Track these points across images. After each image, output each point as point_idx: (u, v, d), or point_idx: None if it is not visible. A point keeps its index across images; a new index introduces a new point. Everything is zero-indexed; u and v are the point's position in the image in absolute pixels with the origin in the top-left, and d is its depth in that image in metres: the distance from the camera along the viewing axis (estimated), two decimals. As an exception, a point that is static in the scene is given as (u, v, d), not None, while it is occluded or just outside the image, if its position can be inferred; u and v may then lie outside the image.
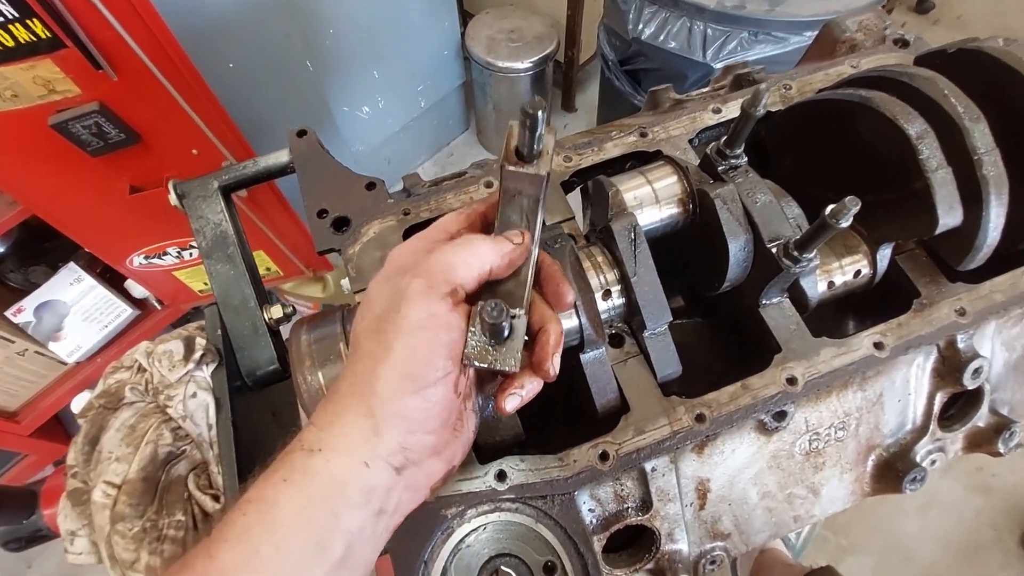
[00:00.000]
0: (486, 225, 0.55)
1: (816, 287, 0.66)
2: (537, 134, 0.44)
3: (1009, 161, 0.63)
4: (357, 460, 0.42)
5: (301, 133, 0.79)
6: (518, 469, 0.59)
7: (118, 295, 1.98)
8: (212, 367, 0.71)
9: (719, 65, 1.63)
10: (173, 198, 0.76)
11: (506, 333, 0.46)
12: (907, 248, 0.70)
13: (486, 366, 0.45)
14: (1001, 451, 0.75)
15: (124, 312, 1.98)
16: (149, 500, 0.62)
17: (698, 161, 0.70)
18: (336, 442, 0.43)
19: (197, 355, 0.69)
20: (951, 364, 0.67)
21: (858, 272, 0.68)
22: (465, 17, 2.80)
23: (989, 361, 0.70)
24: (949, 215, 0.57)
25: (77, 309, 1.85)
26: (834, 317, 0.80)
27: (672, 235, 0.71)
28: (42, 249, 2.01)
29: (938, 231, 0.58)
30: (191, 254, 1.79)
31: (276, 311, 0.75)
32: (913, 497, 2.17)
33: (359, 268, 0.70)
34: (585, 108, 3.17)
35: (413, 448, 0.45)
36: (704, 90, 0.97)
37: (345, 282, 0.69)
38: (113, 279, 2.02)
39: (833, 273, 0.67)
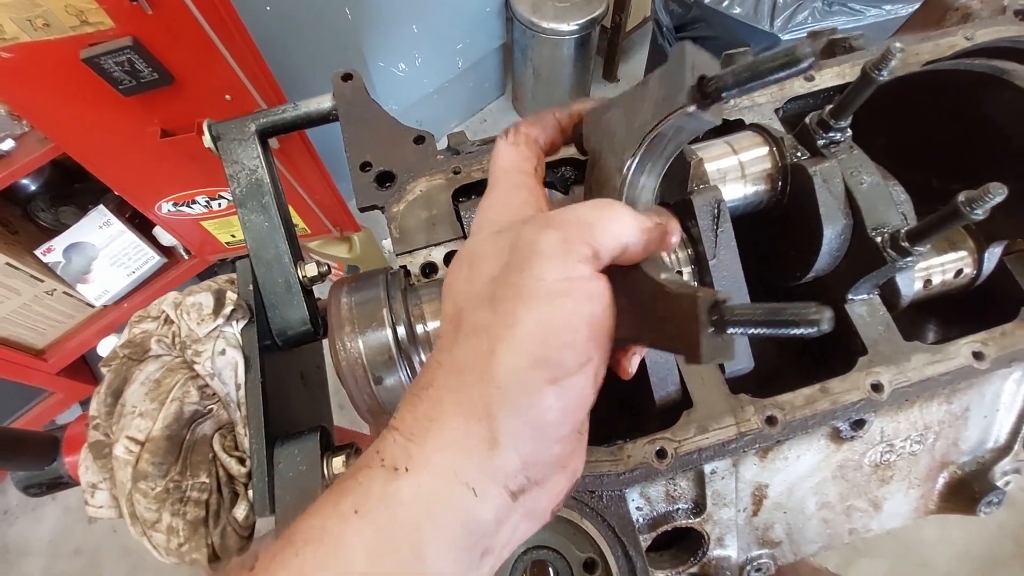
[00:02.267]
0: (544, 156, 0.47)
1: (912, 285, 0.59)
2: (765, 83, 0.33)
3: None
4: (461, 485, 0.31)
5: (347, 77, 0.73)
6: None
7: (146, 241, 1.96)
8: (242, 324, 0.67)
9: (786, 37, 1.51)
10: (207, 139, 0.71)
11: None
12: (1019, 248, 0.62)
13: (726, 360, 0.34)
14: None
15: (152, 259, 1.96)
16: (173, 460, 0.58)
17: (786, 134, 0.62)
18: (431, 457, 0.32)
19: (227, 310, 0.65)
20: (1055, 381, 0.60)
21: (959, 271, 0.60)
22: (509, -27, 2.66)
23: (1098, 381, 0.62)
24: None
25: (106, 253, 1.84)
26: (913, 320, 0.73)
27: (754, 214, 0.64)
28: (73, 189, 2.00)
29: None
30: (220, 204, 1.75)
31: (311, 269, 0.70)
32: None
33: (403, 228, 0.64)
34: (628, 79, 3.02)
35: (538, 464, 0.33)
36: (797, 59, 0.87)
37: (387, 243, 0.64)
38: (142, 225, 2.00)
39: (932, 270, 0.60)
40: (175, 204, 1.73)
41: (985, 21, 0.75)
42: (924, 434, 0.63)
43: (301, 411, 0.76)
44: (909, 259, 0.50)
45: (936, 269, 0.60)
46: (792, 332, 0.29)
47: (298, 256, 0.72)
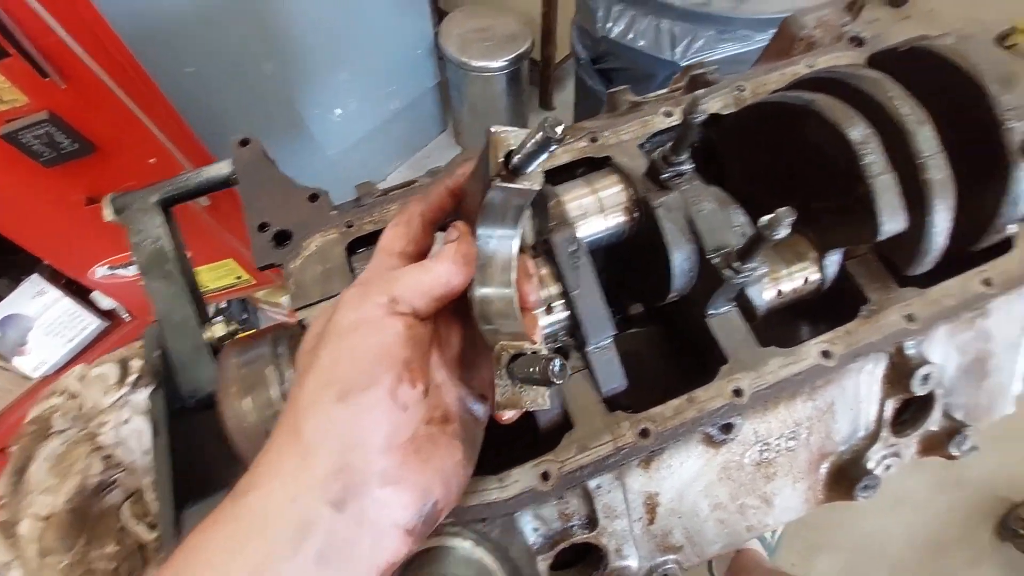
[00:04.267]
0: (430, 230, 0.52)
1: (763, 296, 0.65)
2: (546, 154, 0.39)
3: (959, 162, 0.63)
4: (285, 493, 0.37)
5: (244, 142, 0.77)
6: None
7: (85, 307, 1.93)
8: (149, 389, 0.68)
9: (685, 63, 1.62)
10: (108, 213, 0.74)
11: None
12: (858, 253, 0.69)
13: (521, 410, 0.41)
14: (955, 455, 0.75)
15: (91, 324, 1.93)
16: (77, 533, 0.59)
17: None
18: (263, 478, 0.38)
19: (132, 378, 0.67)
20: (901, 371, 0.67)
21: (807, 279, 0.67)
22: (439, 15, 2.77)
23: (939, 367, 0.69)
24: (892, 221, 0.56)
25: (41, 322, 1.81)
26: (788, 323, 0.79)
27: (622, 243, 0.70)
28: (6, 262, 1.96)
29: (881, 237, 0.57)
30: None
31: (218, 329, 0.72)
32: (884, 493, 2.19)
33: (300, 284, 0.68)
34: (563, 106, 3.15)
35: (354, 470, 0.37)
36: (662, 92, 0.95)
37: (285, 299, 0.67)
38: (80, 290, 1.97)
39: (781, 280, 0.66)
40: (110, 267, 1.72)
41: (825, 49, 0.84)
42: (796, 430, 0.68)
43: (220, 469, 0.77)
44: (743, 276, 0.56)
45: (785, 279, 0.66)
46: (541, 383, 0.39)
47: (205, 318, 0.74)
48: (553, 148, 0.38)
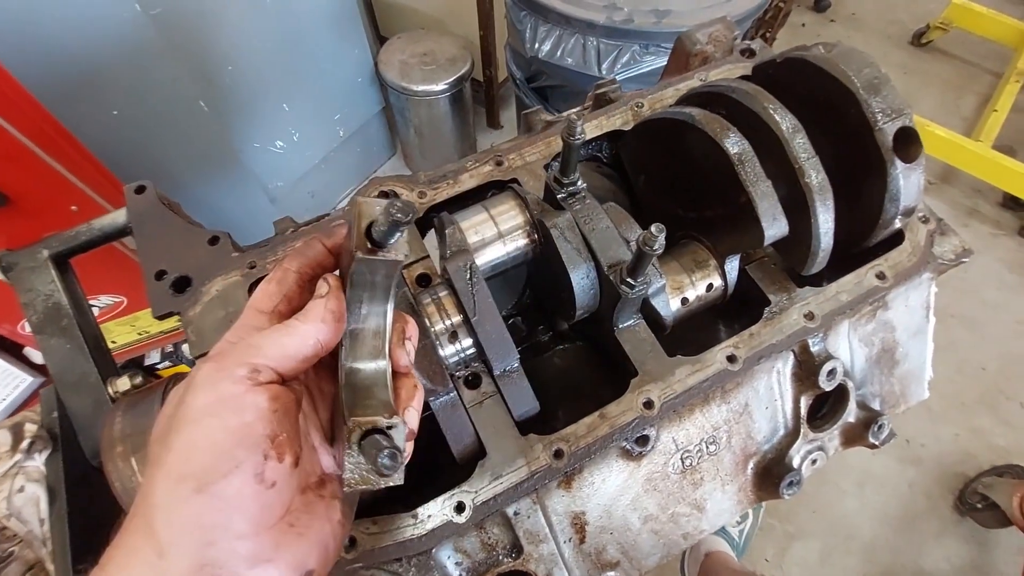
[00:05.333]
0: (308, 287, 0.48)
1: (668, 306, 0.66)
2: (401, 231, 0.40)
3: (843, 165, 0.65)
4: None
5: (139, 189, 0.74)
6: (368, 533, 0.56)
7: (17, 363, 1.83)
8: (46, 454, 0.65)
9: (614, 77, 1.66)
10: (-2, 273, 0.70)
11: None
12: (758, 257, 0.71)
13: (373, 488, 0.39)
14: (875, 443, 0.76)
15: (24, 381, 1.83)
16: (-37, 618, 0.55)
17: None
18: None
19: (26, 444, 0.63)
20: (808, 368, 0.68)
21: (710, 286, 0.68)
22: (381, 42, 2.77)
23: (843, 361, 0.71)
24: (773, 226, 0.58)
25: (-34, 385, 1.71)
26: (708, 327, 0.81)
27: (534, 264, 0.70)
28: (-73, 322, 1.86)
29: (766, 242, 0.59)
30: (90, 313, 1.68)
31: (122, 383, 0.69)
32: (849, 476, 2.24)
33: (200, 331, 0.65)
34: (510, 124, 3.18)
35: (219, 563, 0.35)
36: (574, 110, 0.97)
37: (185, 348, 0.65)
38: (12, 346, 1.88)
39: (685, 289, 0.67)
40: (40, 321, 1.64)
41: (718, 62, 0.87)
42: (716, 435, 0.69)
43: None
44: (637, 290, 0.57)
45: (688, 287, 0.67)
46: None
47: (110, 372, 0.71)
48: (402, 231, 0.39)
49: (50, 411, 0.68)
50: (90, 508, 0.66)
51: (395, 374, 0.47)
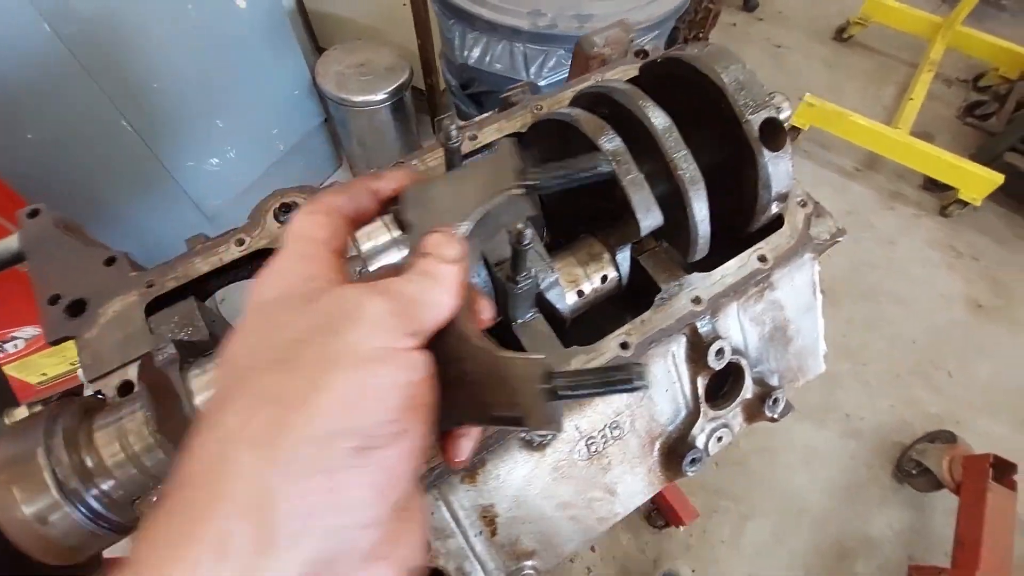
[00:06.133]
0: (351, 230, 0.44)
1: (564, 299, 0.68)
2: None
3: (718, 155, 0.69)
4: None
5: (33, 213, 0.73)
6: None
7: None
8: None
9: (543, 82, 1.70)
10: None
11: None
12: (650, 247, 0.75)
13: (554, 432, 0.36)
14: (774, 417, 0.81)
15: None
16: None
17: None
18: None
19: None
20: (698, 349, 0.72)
21: (604, 277, 0.71)
22: (320, 52, 2.76)
23: (736, 341, 0.76)
24: (648, 217, 0.61)
25: None
26: (615, 317, 0.84)
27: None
28: None
29: (643, 233, 0.62)
30: (15, 345, 1.61)
31: (20, 412, 0.68)
32: (797, 452, 2.34)
33: (96, 354, 0.65)
34: (456, 131, 3.21)
35: (336, 560, 0.27)
36: (485, 115, 1.00)
37: (81, 372, 0.64)
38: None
39: (581, 282, 0.70)
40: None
41: (613, 64, 0.91)
42: (618, 419, 0.72)
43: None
44: (522, 285, 0.59)
45: (584, 280, 0.70)
46: (620, 391, 0.35)
47: (7, 403, 0.69)
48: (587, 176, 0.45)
49: (-60, 447, 0.65)
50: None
51: None
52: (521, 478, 0.67)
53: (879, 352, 2.57)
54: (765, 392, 0.79)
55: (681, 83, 0.72)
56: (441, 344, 0.36)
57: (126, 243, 2.00)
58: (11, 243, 0.73)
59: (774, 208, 0.72)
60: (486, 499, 0.66)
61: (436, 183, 0.46)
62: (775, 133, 0.67)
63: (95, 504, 0.54)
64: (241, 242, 0.72)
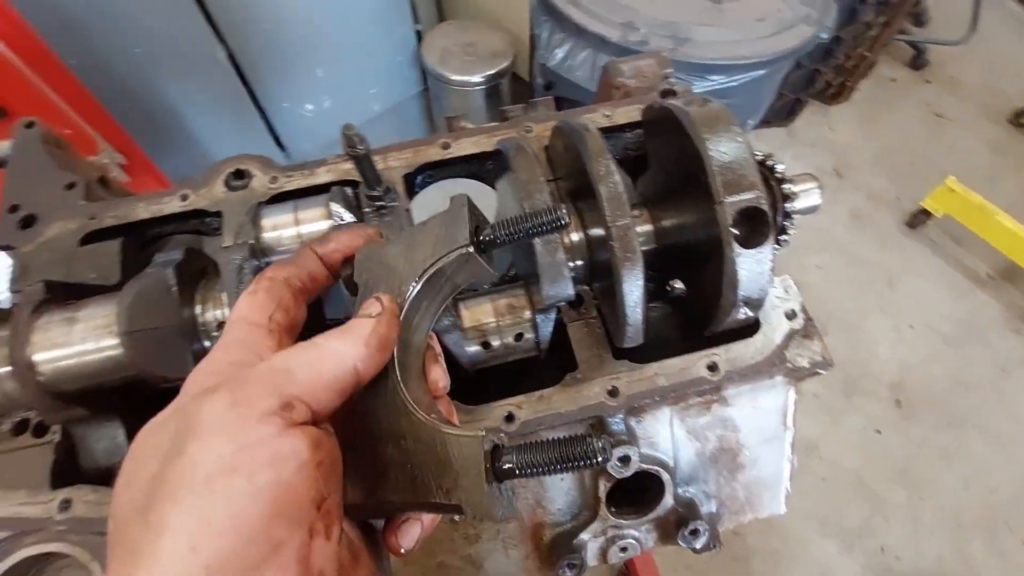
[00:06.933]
0: (304, 300, 0.43)
1: (463, 348, 0.61)
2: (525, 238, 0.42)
3: (687, 232, 0.59)
4: None
5: (29, 124, 0.78)
6: (85, 500, 0.56)
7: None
8: None
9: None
10: None
11: None
12: (588, 316, 0.65)
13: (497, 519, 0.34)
14: (694, 548, 0.69)
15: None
16: None
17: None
18: None
19: None
20: (603, 448, 0.62)
21: (519, 335, 0.63)
22: (434, 24, 2.80)
23: (659, 448, 0.65)
24: (554, 287, 0.53)
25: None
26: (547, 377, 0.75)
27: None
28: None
29: (547, 303, 0.54)
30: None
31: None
32: (809, 569, 2.07)
33: (25, 269, 0.68)
34: (550, 128, 3.14)
35: None
36: (492, 124, 0.93)
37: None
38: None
39: (490, 334, 0.63)
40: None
41: (632, 99, 0.81)
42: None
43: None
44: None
45: (494, 334, 0.63)
46: (580, 468, 0.33)
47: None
48: (544, 231, 0.42)
49: None
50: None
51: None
52: (364, 521, 0.62)
53: (945, 490, 2.19)
54: (686, 516, 0.67)
55: (670, 139, 0.61)
56: (376, 419, 0.34)
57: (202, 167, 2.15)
58: (4, 148, 0.78)
59: (740, 314, 0.59)
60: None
61: (387, 245, 0.45)
62: (755, 226, 0.55)
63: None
64: (185, 197, 0.71)
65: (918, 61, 3.42)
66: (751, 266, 0.55)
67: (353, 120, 2.29)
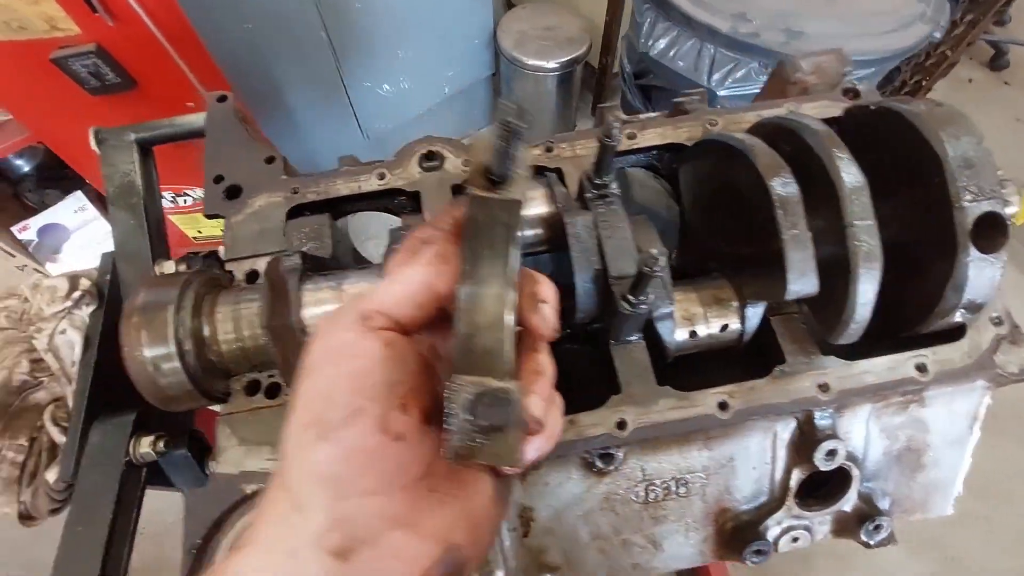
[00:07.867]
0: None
1: (672, 334, 0.63)
2: (515, 152, 0.37)
3: (906, 233, 0.59)
4: (280, 551, 0.32)
5: (222, 98, 0.81)
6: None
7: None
8: (91, 308, 0.74)
9: (722, 93, 1.57)
10: (93, 142, 0.80)
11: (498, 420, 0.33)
12: (788, 311, 0.66)
13: (480, 462, 0.34)
14: (869, 543, 0.70)
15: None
16: (-6, 421, 0.65)
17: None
18: (258, 535, 0.34)
19: (77, 294, 0.72)
20: (808, 440, 0.63)
21: (725, 327, 0.64)
22: (509, 7, 2.78)
23: (855, 446, 0.65)
24: (799, 282, 0.53)
25: (78, 236, 1.96)
26: (723, 370, 0.76)
27: (551, 258, 0.69)
28: (62, 173, 2.14)
29: (789, 297, 0.54)
30: (185, 200, 1.86)
31: (168, 266, 0.77)
32: (872, 574, 2.05)
33: (236, 238, 0.71)
34: (615, 118, 3.11)
35: (354, 519, 0.33)
36: (652, 115, 0.93)
37: (221, 250, 0.71)
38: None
39: (697, 322, 0.64)
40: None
41: (815, 96, 0.80)
42: (689, 478, 0.66)
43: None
44: (635, 308, 0.55)
45: (701, 322, 0.64)
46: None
47: (160, 255, 0.79)
48: (517, 147, 0.37)
49: (104, 273, 0.76)
50: (116, 363, 0.75)
51: (523, 348, 0.41)
52: (569, 495, 0.64)
53: None
54: (868, 513, 0.68)
55: (889, 139, 0.61)
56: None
57: (286, 144, 2.21)
58: (197, 120, 0.81)
59: (957, 316, 0.60)
60: (529, 501, 0.64)
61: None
62: (993, 232, 0.55)
63: (197, 367, 0.60)
64: (382, 176, 0.74)
65: (998, 62, 3.30)
66: (984, 271, 0.56)
67: (426, 101, 2.35)
